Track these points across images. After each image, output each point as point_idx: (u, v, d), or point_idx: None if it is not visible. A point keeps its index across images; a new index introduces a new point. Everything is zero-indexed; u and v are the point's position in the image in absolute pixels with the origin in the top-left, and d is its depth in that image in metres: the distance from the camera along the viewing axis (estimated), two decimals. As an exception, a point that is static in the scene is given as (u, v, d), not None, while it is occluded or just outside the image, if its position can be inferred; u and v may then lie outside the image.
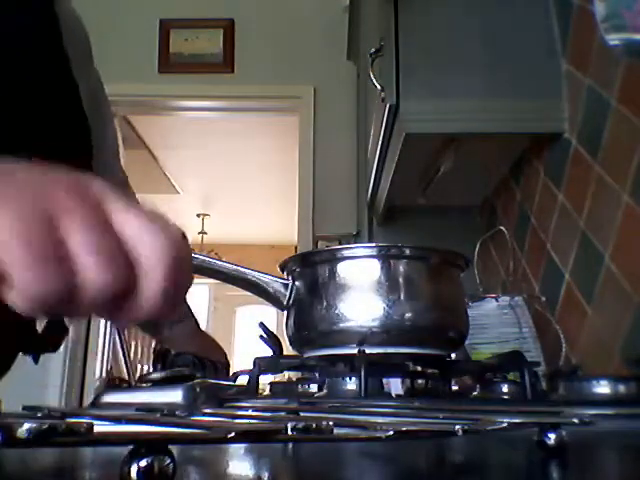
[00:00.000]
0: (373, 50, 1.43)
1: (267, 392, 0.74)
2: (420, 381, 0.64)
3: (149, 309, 0.31)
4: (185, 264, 0.32)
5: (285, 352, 0.81)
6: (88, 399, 2.63)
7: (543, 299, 1.26)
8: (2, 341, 0.44)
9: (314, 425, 0.23)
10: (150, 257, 0.30)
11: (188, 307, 0.93)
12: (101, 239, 0.29)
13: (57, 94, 0.65)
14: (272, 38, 2.87)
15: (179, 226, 0.32)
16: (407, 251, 0.65)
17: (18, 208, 0.28)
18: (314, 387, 0.69)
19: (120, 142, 0.93)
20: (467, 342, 0.71)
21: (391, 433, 0.25)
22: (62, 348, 0.69)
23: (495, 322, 1.12)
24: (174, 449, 0.21)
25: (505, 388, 0.72)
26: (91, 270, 0.29)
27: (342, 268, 0.64)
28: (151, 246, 0.30)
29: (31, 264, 0.28)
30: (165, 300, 0.31)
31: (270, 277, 0.66)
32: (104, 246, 0.29)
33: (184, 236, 0.32)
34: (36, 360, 0.69)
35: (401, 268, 0.64)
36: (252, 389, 0.64)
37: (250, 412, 0.41)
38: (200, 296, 6.19)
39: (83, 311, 0.30)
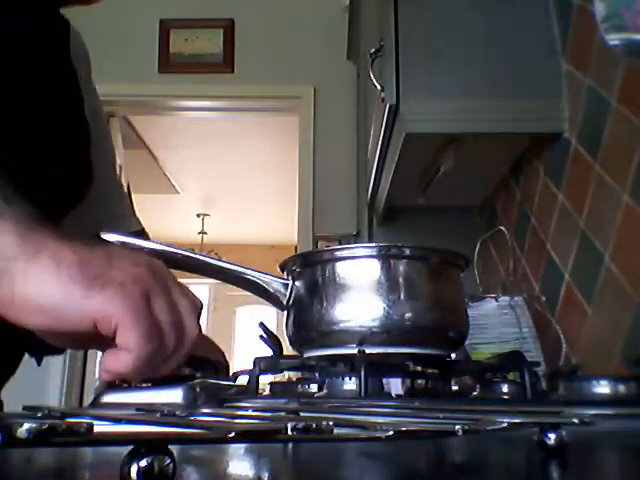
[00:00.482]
0: (373, 50, 1.43)
1: (267, 392, 0.74)
2: (420, 381, 0.64)
3: (179, 362, 0.44)
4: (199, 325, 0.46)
5: (285, 352, 0.81)
6: (88, 399, 2.63)
7: (543, 299, 1.26)
8: (9, 343, 0.45)
9: (314, 425, 0.23)
10: (190, 326, 0.43)
11: None
12: (173, 316, 0.42)
13: (60, 94, 0.66)
14: (272, 38, 2.86)
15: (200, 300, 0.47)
16: (407, 251, 0.65)
17: (126, 289, 0.39)
18: (314, 387, 0.69)
19: (118, 156, 0.94)
20: (467, 342, 0.70)
21: (391, 433, 0.25)
22: (62, 348, 0.70)
23: (495, 322, 1.12)
24: (174, 449, 0.21)
25: (505, 388, 0.72)
26: (169, 336, 0.41)
27: (342, 268, 0.64)
28: (191, 321, 0.44)
29: (140, 329, 0.39)
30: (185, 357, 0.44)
31: (270, 277, 0.66)
32: (176, 321, 0.42)
33: (202, 304, 0.47)
34: (39, 362, 0.69)
35: (401, 268, 0.64)
36: (252, 389, 0.64)
37: (250, 412, 0.41)
38: (200, 296, 6.17)
39: (160, 366, 0.42)
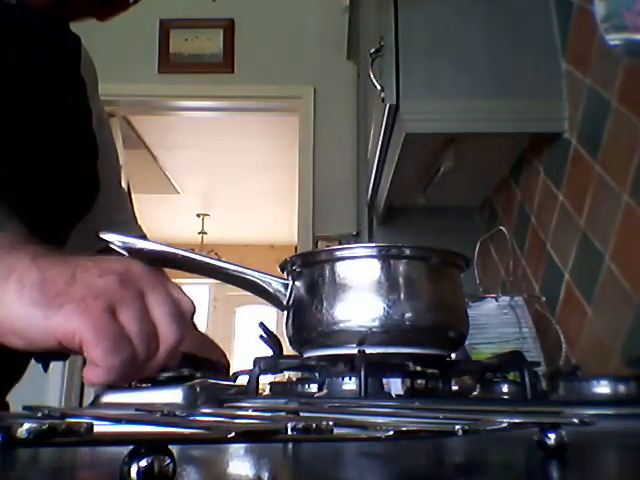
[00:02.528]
0: (373, 50, 1.43)
1: (267, 392, 0.74)
2: (420, 381, 0.64)
3: (160, 367, 0.43)
4: (187, 330, 0.44)
5: (285, 352, 0.81)
6: (88, 399, 2.63)
7: (543, 299, 1.26)
8: (16, 350, 0.46)
9: (314, 425, 0.23)
10: (167, 332, 0.42)
11: None
12: (143, 325, 0.41)
13: (70, 109, 0.68)
14: (272, 38, 2.86)
15: (189, 299, 0.45)
16: (407, 251, 0.65)
17: (87, 304, 0.39)
18: (314, 387, 0.69)
19: (121, 162, 0.96)
20: (467, 342, 0.70)
21: (391, 433, 0.25)
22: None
23: (495, 322, 1.12)
24: (174, 449, 0.21)
25: (505, 388, 0.72)
26: (139, 345, 0.40)
27: (342, 268, 0.64)
28: (169, 327, 0.42)
29: (102, 343, 0.38)
30: (170, 361, 0.44)
31: (270, 277, 0.66)
32: (147, 329, 0.41)
33: (193, 305, 0.46)
34: (45, 368, 0.70)
35: (401, 268, 0.64)
36: (252, 389, 0.64)
37: (250, 412, 0.41)
38: (200, 296, 6.18)
39: (135, 374, 0.42)
